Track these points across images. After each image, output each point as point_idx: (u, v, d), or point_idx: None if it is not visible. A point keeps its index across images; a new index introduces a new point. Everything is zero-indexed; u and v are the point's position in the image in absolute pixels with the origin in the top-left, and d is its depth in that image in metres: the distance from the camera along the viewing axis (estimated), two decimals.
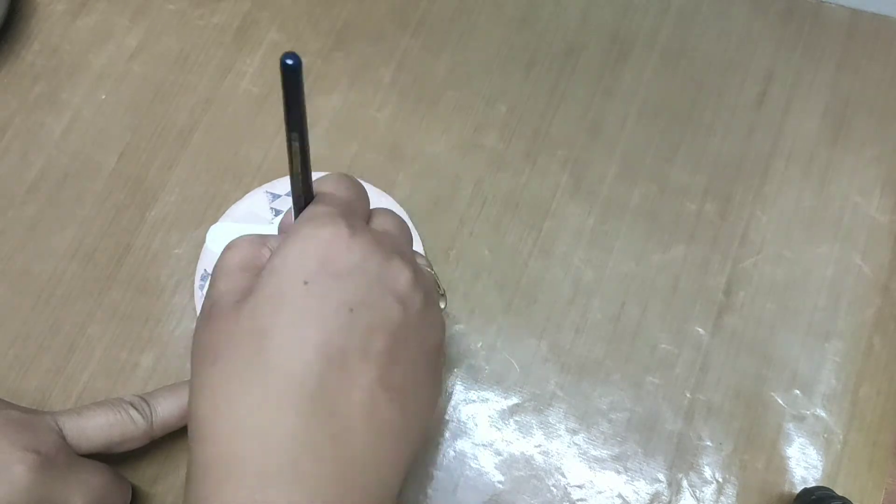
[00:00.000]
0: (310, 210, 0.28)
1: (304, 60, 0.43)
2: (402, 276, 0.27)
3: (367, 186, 0.42)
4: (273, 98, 0.45)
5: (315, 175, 0.28)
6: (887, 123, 0.44)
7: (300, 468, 0.24)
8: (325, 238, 0.26)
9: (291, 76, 0.24)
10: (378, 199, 0.42)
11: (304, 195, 0.28)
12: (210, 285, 0.28)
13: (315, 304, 0.25)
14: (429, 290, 0.29)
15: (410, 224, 0.42)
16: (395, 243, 0.29)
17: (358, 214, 0.29)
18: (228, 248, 0.29)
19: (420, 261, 0.31)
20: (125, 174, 0.44)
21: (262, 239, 0.29)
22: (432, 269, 0.32)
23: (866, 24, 0.46)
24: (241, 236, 0.29)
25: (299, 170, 0.27)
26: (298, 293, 0.25)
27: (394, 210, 0.42)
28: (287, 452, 0.24)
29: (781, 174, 0.43)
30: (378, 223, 0.30)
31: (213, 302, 0.27)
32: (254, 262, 0.28)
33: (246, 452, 0.24)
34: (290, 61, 0.23)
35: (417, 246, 0.41)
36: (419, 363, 0.28)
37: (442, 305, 0.32)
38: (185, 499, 0.25)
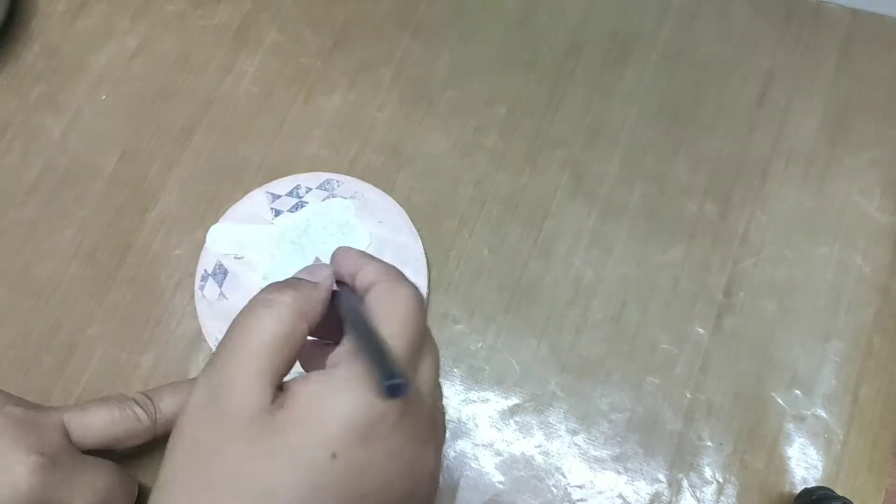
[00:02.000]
0: (361, 363, 0.23)
1: (303, 62, 0.42)
2: (427, 466, 0.25)
3: (368, 187, 0.42)
4: (273, 98, 0.45)
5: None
6: (887, 124, 0.44)
7: None
8: (376, 412, 0.23)
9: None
10: (378, 199, 0.42)
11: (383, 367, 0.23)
12: (227, 356, 0.24)
13: (332, 482, 0.22)
14: (441, 456, 0.27)
15: (413, 229, 0.42)
16: (431, 409, 0.26)
17: (414, 368, 0.25)
18: (262, 308, 0.24)
19: (442, 401, 0.28)
20: (125, 175, 0.44)
21: (304, 306, 0.25)
22: (440, 390, 0.29)
23: (866, 24, 0.46)
24: (277, 296, 0.25)
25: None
26: (323, 466, 0.22)
27: (399, 212, 0.42)
28: None
29: (781, 174, 0.43)
30: (423, 374, 0.26)
31: (225, 396, 0.23)
32: (287, 345, 0.24)
33: None
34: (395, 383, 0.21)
35: (417, 247, 0.41)
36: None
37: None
38: None
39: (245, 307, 0.25)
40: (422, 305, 0.25)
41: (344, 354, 0.24)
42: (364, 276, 0.26)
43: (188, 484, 0.23)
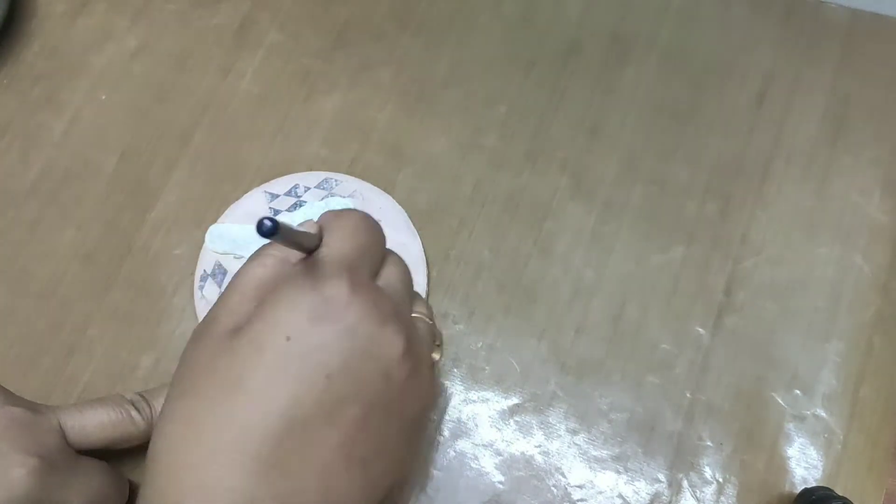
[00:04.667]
0: (314, 257, 0.26)
1: (303, 62, 0.43)
2: (392, 347, 0.26)
3: (368, 186, 0.42)
4: (273, 98, 0.45)
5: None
6: (887, 124, 0.44)
7: None
8: (321, 293, 0.25)
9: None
10: (378, 199, 0.42)
11: (306, 245, 0.26)
12: (220, 298, 0.27)
13: (292, 364, 0.25)
14: (420, 356, 0.28)
15: (413, 229, 0.42)
16: (395, 303, 0.28)
17: (366, 266, 0.28)
18: (252, 260, 0.28)
19: (421, 311, 0.30)
20: (125, 175, 0.44)
21: (288, 256, 0.28)
22: (432, 320, 0.31)
23: (866, 24, 0.46)
24: (267, 250, 0.28)
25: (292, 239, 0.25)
26: (279, 347, 0.25)
27: (399, 211, 0.42)
28: None
29: (781, 174, 0.43)
30: (384, 275, 0.28)
31: (211, 320, 0.27)
32: (271, 285, 0.27)
33: (187, 499, 0.24)
34: (267, 223, 0.22)
35: (417, 247, 0.41)
36: (391, 433, 0.27)
37: (436, 357, 0.31)
38: None
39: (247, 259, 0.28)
40: (370, 223, 0.28)
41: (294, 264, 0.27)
42: (324, 217, 0.29)
43: (178, 391, 0.26)
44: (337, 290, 0.25)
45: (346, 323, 0.25)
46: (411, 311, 0.30)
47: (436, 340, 0.31)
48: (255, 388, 0.24)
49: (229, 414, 0.24)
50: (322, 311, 0.25)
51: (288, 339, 0.25)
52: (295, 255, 0.27)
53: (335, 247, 0.27)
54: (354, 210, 0.29)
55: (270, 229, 0.22)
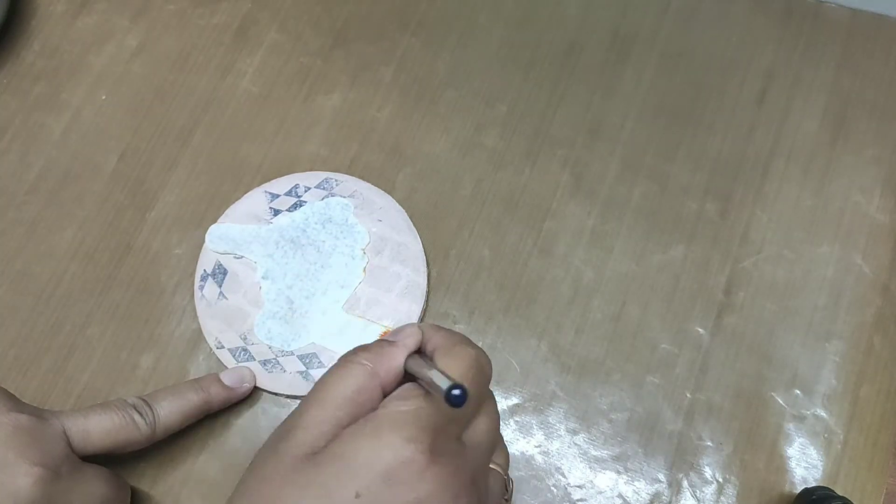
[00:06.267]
0: (402, 408, 0.25)
1: (302, 61, 0.42)
2: None
3: (367, 186, 0.42)
4: (273, 98, 0.45)
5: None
6: (887, 123, 0.44)
7: None
8: (400, 456, 0.24)
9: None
10: (378, 199, 0.42)
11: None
12: (302, 407, 0.26)
13: None
14: None
15: (413, 229, 0.42)
16: (476, 467, 0.26)
17: (455, 427, 0.26)
18: (342, 367, 0.27)
19: (498, 462, 0.29)
20: (125, 174, 0.44)
21: (378, 366, 0.27)
22: (507, 474, 0.30)
23: (866, 24, 0.46)
24: (358, 356, 0.27)
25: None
26: (347, 502, 0.23)
27: (399, 211, 0.42)
28: None
29: (781, 174, 0.43)
30: (477, 431, 0.27)
31: (288, 433, 0.26)
32: (356, 400, 0.26)
33: None
34: (456, 392, 0.21)
35: (417, 247, 0.41)
36: None
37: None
38: None
39: (332, 366, 0.27)
40: (482, 364, 0.27)
41: (392, 398, 0.26)
42: (431, 342, 0.28)
43: (242, 499, 0.25)
44: (413, 458, 0.24)
45: (419, 493, 0.24)
46: (490, 463, 0.29)
47: (505, 495, 0.30)
48: None
49: None
50: (396, 475, 0.24)
51: (357, 496, 0.23)
52: (384, 368, 0.27)
53: (429, 400, 0.25)
54: (469, 345, 0.27)
55: (460, 398, 0.21)
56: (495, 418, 0.28)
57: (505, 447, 0.30)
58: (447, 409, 0.24)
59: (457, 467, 0.25)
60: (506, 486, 0.30)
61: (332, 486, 0.24)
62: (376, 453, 0.24)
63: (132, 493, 0.36)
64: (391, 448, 0.24)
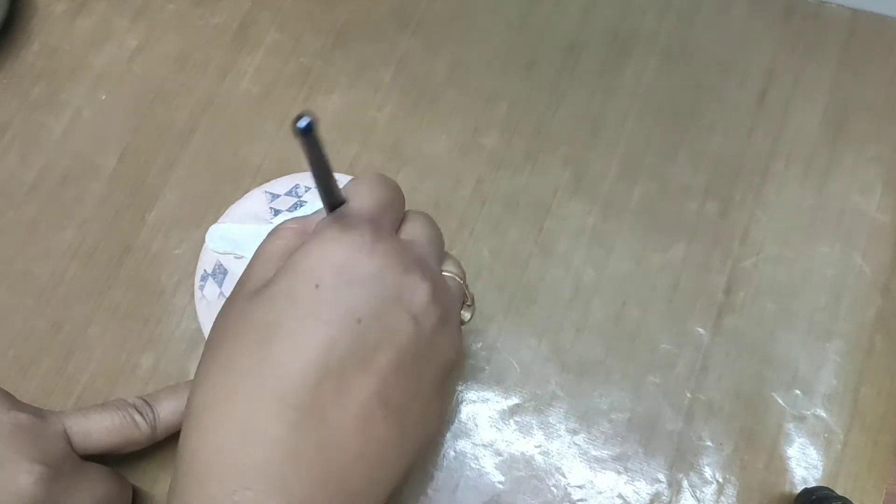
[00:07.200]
0: (338, 212, 0.27)
1: (302, 62, 0.43)
2: (418, 292, 0.26)
3: None
4: (273, 98, 0.45)
5: (343, 178, 0.28)
6: (887, 123, 0.44)
7: (281, 473, 0.24)
8: (346, 243, 0.26)
9: (306, 139, 0.23)
10: None
11: (332, 199, 0.27)
12: (245, 269, 0.28)
13: (323, 310, 0.25)
14: (448, 306, 0.28)
15: None
16: (420, 254, 0.28)
17: (387, 220, 0.28)
18: (272, 234, 0.29)
19: (451, 270, 0.30)
20: (125, 175, 0.44)
21: (305, 226, 0.28)
22: (463, 280, 0.31)
23: (866, 24, 0.46)
24: (286, 224, 0.29)
25: (324, 179, 0.26)
26: (309, 295, 0.25)
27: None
28: (269, 456, 0.24)
29: (781, 174, 0.43)
30: (408, 230, 0.29)
31: (239, 286, 0.27)
32: (293, 251, 0.28)
33: (228, 451, 0.24)
34: (303, 124, 0.22)
35: None
36: (425, 381, 0.27)
37: (466, 317, 0.31)
38: (169, 489, 0.25)
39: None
40: (387, 181, 0.29)
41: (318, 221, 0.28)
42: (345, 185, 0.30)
43: (212, 348, 0.27)
44: (360, 238, 0.26)
45: (371, 269, 0.26)
46: (440, 267, 0.30)
47: (466, 300, 0.31)
48: (288, 334, 0.25)
49: (266, 361, 0.24)
50: (347, 259, 0.26)
51: (317, 286, 0.25)
52: (311, 227, 0.28)
53: (355, 203, 0.27)
54: (376, 175, 0.29)
55: (308, 126, 0.22)
56: (428, 225, 0.30)
57: (457, 260, 0.31)
58: (363, 206, 0.27)
59: (402, 247, 0.27)
60: (464, 292, 0.31)
61: (291, 289, 0.25)
62: (322, 251, 0.26)
63: (133, 492, 0.36)
64: (334, 241, 0.26)
